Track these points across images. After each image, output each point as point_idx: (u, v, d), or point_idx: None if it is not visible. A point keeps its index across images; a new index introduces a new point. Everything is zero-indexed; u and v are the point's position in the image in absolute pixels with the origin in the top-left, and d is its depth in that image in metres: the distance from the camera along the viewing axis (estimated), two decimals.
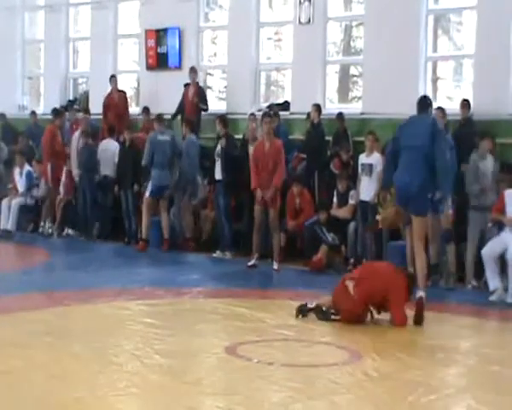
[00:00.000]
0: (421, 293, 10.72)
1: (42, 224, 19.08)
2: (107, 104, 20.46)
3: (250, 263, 15.05)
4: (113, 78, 21.08)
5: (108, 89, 20.93)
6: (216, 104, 20.59)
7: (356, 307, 10.43)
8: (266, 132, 15.08)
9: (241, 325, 10.54)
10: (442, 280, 13.69)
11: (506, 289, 12.48)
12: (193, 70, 19.57)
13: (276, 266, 14.81)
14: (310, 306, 10.68)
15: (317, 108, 17.16)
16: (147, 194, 17.14)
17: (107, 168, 18.44)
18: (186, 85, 19.38)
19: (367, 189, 14.83)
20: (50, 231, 18.79)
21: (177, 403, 7.26)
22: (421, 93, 16.68)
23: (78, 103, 22.25)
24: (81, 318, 10.76)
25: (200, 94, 19.45)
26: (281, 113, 18.17)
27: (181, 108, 19.27)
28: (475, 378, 8.65)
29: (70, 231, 18.81)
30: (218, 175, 16.39)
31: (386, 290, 10.38)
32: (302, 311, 10.62)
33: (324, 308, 10.56)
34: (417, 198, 10.99)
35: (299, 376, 8.33)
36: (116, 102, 20.56)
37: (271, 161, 14.88)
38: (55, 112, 19.89)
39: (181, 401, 7.33)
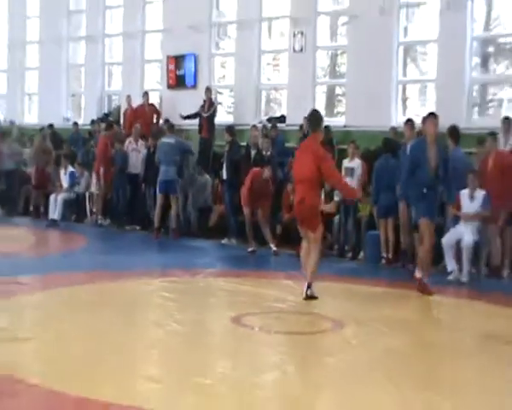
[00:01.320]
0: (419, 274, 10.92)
1: (95, 216, 18.99)
2: (137, 115, 20.43)
3: (250, 249, 14.98)
4: (145, 94, 21.11)
5: (135, 104, 20.96)
6: (225, 117, 20.59)
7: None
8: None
9: (245, 299, 10.53)
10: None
11: (461, 271, 12.51)
12: (208, 89, 19.59)
13: (274, 247, 14.79)
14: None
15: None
16: (157, 190, 17.08)
17: (136, 168, 18.33)
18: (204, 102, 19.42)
19: None
20: (100, 222, 18.76)
21: (191, 363, 7.28)
22: (394, 110, 16.86)
23: (112, 116, 22.21)
24: (113, 293, 10.73)
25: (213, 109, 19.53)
26: (278, 125, 18.22)
27: (197, 116, 19.38)
28: (434, 344, 8.64)
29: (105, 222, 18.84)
30: (224, 175, 16.40)
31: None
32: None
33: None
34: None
35: (292, 342, 8.42)
36: (146, 113, 20.52)
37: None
38: (108, 125, 19.92)
39: (194, 361, 7.35)
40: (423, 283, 10.91)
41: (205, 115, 19.09)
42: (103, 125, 20.92)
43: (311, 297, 10.14)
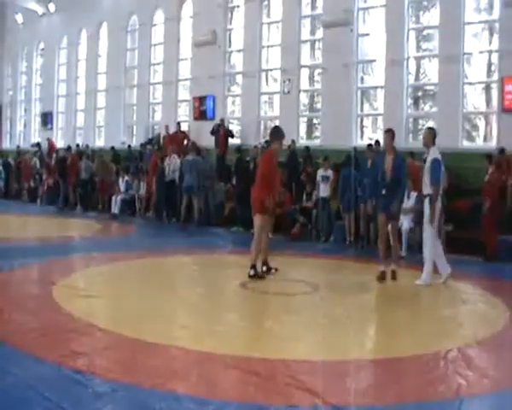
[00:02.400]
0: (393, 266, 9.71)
1: (148, 212, 18.96)
2: (172, 139, 20.37)
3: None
4: (178, 124, 21.17)
5: (171, 131, 20.97)
6: (234, 140, 20.55)
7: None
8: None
9: (248, 270, 10.54)
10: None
11: (401, 248, 12.52)
12: (222, 120, 19.72)
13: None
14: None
15: (294, 142, 17.19)
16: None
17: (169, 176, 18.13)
18: (218, 126, 19.53)
19: (323, 190, 14.74)
20: (149, 216, 18.76)
21: (210, 315, 7.35)
22: (354, 135, 16.90)
23: (154, 140, 22.26)
24: (156, 265, 10.76)
25: (228, 132, 19.70)
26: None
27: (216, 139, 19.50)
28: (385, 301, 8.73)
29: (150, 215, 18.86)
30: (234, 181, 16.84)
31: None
32: None
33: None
34: None
35: (283, 300, 8.40)
36: (179, 138, 20.53)
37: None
38: (156, 147, 20.51)
39: (212, 313, 7.43)
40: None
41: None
42: (149, 147, 21.07)
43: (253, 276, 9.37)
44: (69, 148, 22.83)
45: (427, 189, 9.34)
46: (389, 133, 9.80)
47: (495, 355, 6.04)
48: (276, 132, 9.86)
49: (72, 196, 21.16)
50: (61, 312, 6.88)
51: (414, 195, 12.85)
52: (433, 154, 9.34)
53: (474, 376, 5.22)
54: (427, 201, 9.32)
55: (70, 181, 20.92)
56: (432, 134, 9.49)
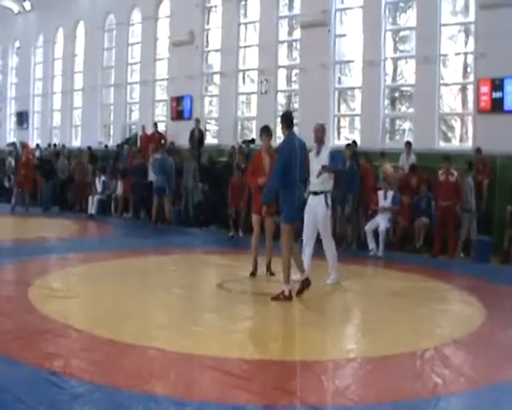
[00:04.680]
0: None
1: (124, 213, 18.86)
2: (149, 139, 20.34)
3: (230, 234, 14.84)
4: (155, 124, 21.05)
5: (148, 131, 20.91)
6: (211, 140, 20.56)
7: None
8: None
9: (225, 270, 10.53)
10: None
11: (378, 249, 12.62)
12: (197, 120, 19.59)
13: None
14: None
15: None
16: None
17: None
18: (193, 130, 19.37)
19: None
20: (126, 216, 18.71)
21: (187, 315, 7.34)
22: (331, 135, 16.93)
23: (131, 140, 22.16)
24: (133, 265, 10.66)
25: (201, 134, 19.51)
26: (250, 145, 18.20)
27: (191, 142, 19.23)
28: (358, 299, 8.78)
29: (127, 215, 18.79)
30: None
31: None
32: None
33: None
34: None
35: (260, 300, 8.36)
36: (156, 138, 20.37)
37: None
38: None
39: (189, 314, 7.42)
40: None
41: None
42: (126, 147, 20.98)
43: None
44: (49, 146, 22.64)
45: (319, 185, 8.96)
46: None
47: (471, 354, 6.09)
48: (262, 130, 9.66)
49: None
50: (37, 313, 6.81)
51: (391, 194, 12.93)
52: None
53: (451, 375, 5.26)
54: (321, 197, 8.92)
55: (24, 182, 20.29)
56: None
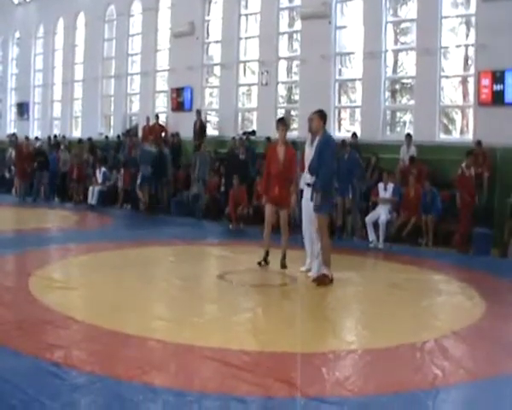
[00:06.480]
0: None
1: (126, 204, 18.84)
2: (151, 130, 20.29)
3: (230, 226, 14.89)
4: (156, 116, 20.97)
5: (150, 123, 20.85)
6: (212, 132, 20.49)
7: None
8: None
9: (226, 262, 10.57)
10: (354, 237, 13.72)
11: (378, 240, 12.62)
12: (198, 112, 19.53)
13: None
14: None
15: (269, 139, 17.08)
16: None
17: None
18: (196, 122, 19.33)
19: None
20: (127, 207, 18.73)
21: (188, 307, 7.30)
22: (332, 127, 16.85)
23: (131, 131, 22.10)
24: (133, 256, 10.63)
25: (203, 125, 19.44)
26: (251, 137, 18.22)
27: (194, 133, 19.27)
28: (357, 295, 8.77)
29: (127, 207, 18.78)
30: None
31: None
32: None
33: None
34: None
35: (260, 291, 8.39)
36: (157, 129, 20.33)
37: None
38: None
39: (190, 305, 7.38)
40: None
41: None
42: (122, 138, 21.03)
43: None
44: (49, 139, 22.59)
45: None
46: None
47: (471, 346, 6.09)
48: (278, 120, 10.26)
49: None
50: (37, 303, 6.81)
51: (391, 186, 12.92)
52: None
53: (450, 367, 5.26)
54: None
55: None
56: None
